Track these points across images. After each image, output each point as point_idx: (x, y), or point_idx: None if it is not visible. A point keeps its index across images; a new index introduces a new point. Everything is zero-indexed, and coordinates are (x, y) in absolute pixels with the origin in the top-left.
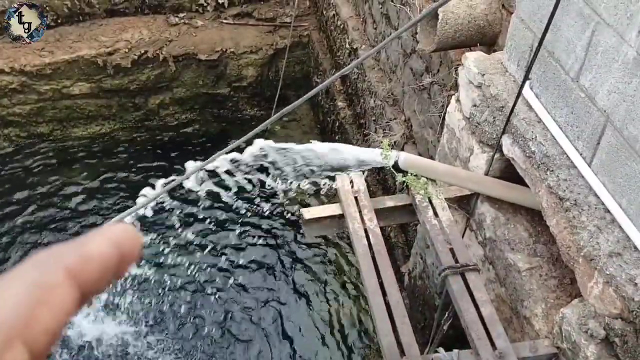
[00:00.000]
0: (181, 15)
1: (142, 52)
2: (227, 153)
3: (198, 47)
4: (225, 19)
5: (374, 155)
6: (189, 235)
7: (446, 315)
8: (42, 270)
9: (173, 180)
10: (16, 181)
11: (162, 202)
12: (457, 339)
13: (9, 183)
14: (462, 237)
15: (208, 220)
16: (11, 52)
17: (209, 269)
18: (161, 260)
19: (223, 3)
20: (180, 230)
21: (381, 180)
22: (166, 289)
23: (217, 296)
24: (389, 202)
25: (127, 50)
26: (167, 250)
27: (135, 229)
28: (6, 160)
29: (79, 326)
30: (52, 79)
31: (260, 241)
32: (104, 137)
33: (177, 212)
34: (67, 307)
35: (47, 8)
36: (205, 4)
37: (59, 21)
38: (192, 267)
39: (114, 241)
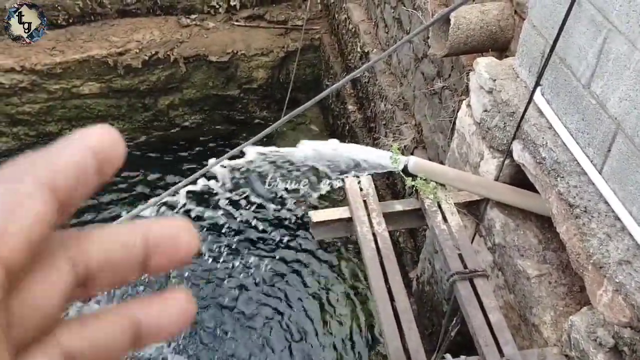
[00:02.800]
0: (193, 16)
1: (153, 52)
2: (238, 152)
3: (209, 48)
4: (237, 20)
5: (383, 158)
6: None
7: (454, 321)
8: (9, 182)
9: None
10: None
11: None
12: (465, 346)
13: None
14: (471, 242)
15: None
16: (22, 51)
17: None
18: None
19: (235, 5)
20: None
21: (390, 184)
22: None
23: (220, 297)
24: (398, 206)
25: (138, 50)
26: None
27: (115, 133)
28: (14, 158)
29: None
30: (63, 79)
31: (263, 243)
32: None
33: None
34: (43, 216)
35: (58, 7)
36: (217, 6)
37: (71, 21)
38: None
39: (89, 148)
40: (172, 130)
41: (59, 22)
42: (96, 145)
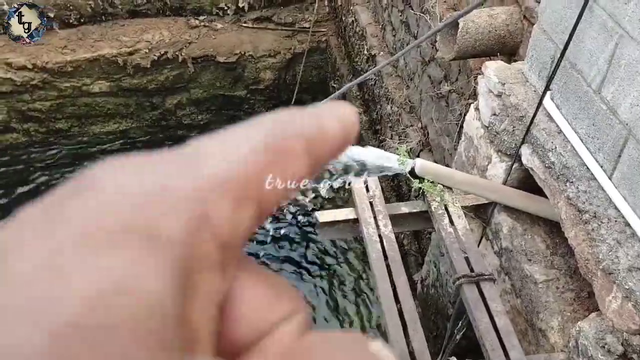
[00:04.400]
0: (201, 17)
1: (162, 52)
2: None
3: (217, 49)
4: (245, 22)
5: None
6: None
7: (459, 324)
8: (276, 134)
9: None
10: (33, 176)
11: None
12: (470, 349)
13: (26, 177)
14: (478, 246)
15: None
16: (33, 49)
17: None
18: None
19: (243, 7)
20: None
21: (395, 186)
22: None
23: None
24: (404, 208)
25: (147, 50)
26: None
27: (355, 111)
28: (24, 155)
29: None
30: (73, 77)
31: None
32: (121, 135)
33: None
34: (300, 173)
35: (70, 7)
36: (225, 8)
37: (82, 20)
38: None
39: (341, 121)
40: (179, 129)
41: (71, 21)
42: (345, 123)
